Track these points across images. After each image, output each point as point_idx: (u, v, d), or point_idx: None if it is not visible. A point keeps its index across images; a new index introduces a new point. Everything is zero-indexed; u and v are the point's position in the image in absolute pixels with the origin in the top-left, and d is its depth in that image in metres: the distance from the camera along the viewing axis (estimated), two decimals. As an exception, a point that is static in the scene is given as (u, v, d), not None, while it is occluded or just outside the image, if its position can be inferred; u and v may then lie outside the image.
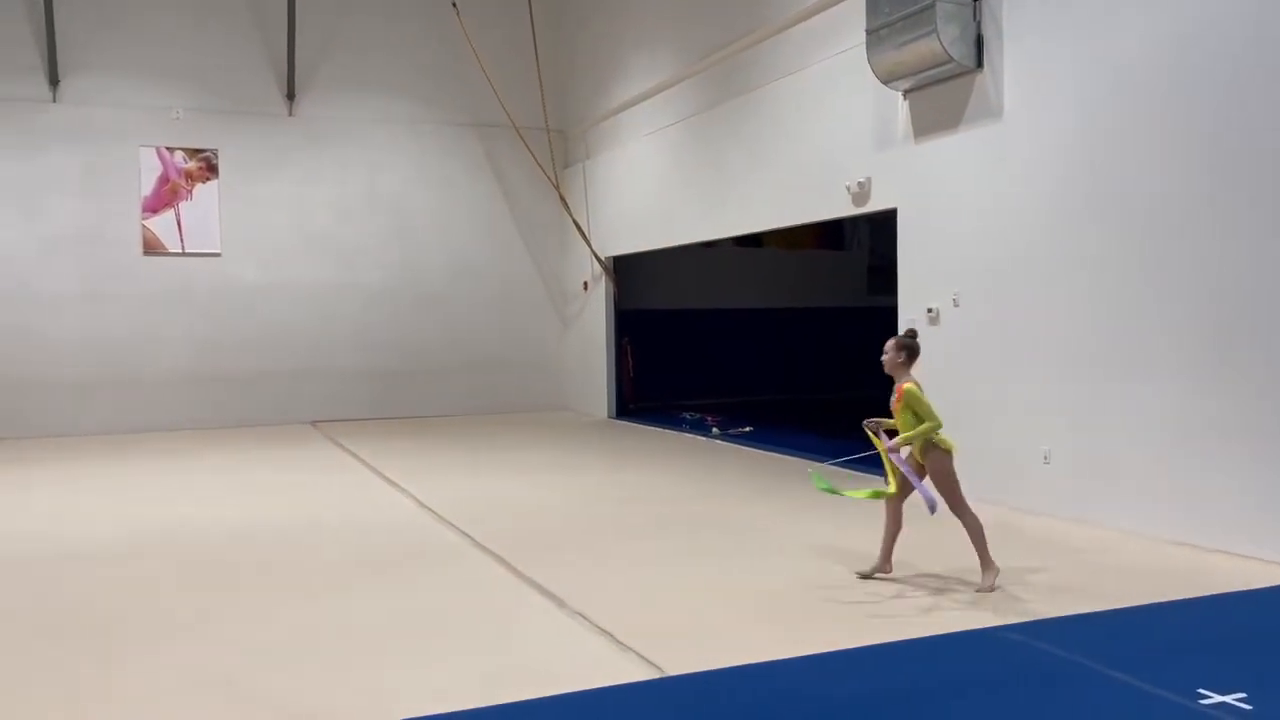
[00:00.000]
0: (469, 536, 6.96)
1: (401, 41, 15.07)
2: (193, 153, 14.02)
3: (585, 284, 15.17)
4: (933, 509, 5.27)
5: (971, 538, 5.45)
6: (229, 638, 4.86)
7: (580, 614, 5.07)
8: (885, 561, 5.72)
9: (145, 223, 13.81)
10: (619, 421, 14.27)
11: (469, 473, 9.95)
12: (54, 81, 13.35)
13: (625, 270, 14.97)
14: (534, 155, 14.96)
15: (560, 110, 15.68)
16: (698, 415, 13.60)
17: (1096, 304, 6.91)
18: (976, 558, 5.48)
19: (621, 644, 4.60)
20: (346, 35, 14.80)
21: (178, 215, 13.94)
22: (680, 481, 9.26)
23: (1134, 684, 3.95)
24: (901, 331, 6.39)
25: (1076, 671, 4.13)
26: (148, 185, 13.82)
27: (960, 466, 5.48)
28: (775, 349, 17.02)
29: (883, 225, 16.56)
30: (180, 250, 13.98)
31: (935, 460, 5.40)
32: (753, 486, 8.85)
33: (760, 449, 11.01)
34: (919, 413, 5.34)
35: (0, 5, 13.14)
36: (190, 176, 14.00)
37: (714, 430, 12.41)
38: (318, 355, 14.65)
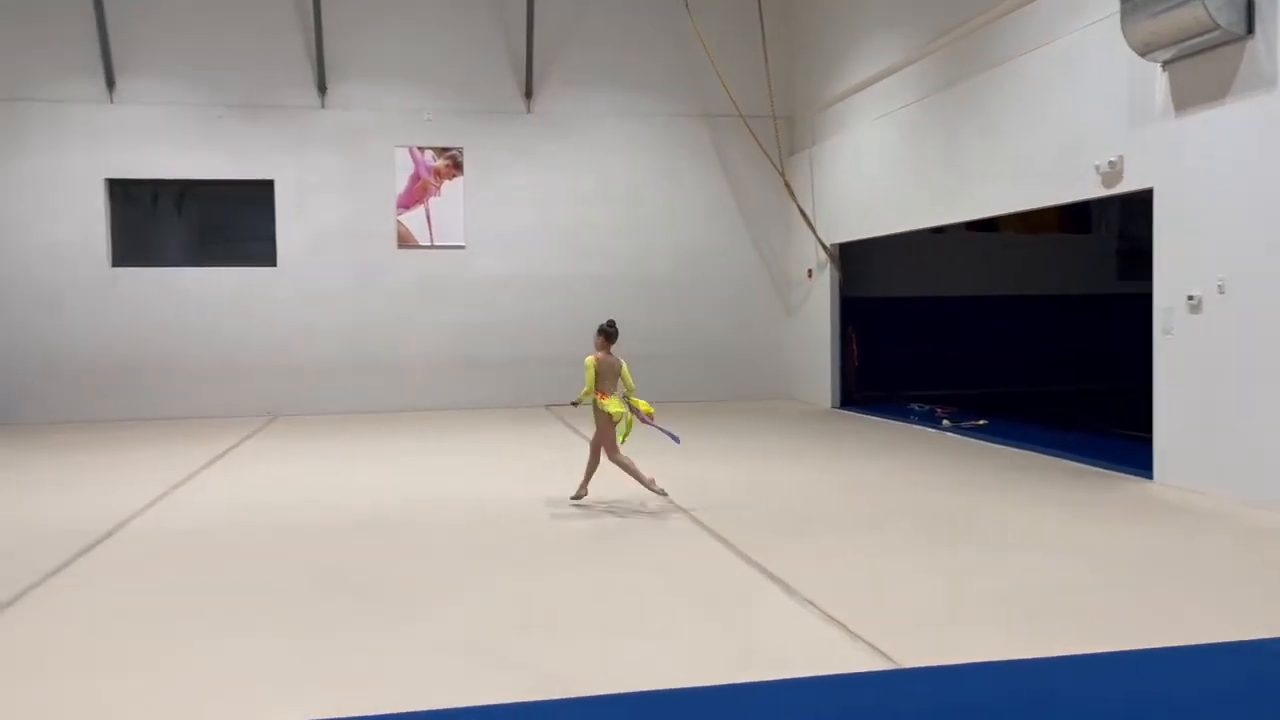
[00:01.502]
0: (696, 520, 7.12)
1: (632, 35, 15.46)
2: (441, 151, 14.98)
3: (810, 272, 15.06)
4: (677, 440, 7.52)
5: (587, 468, 7.64)
6: (481, 604, 5.22)
7: (810, 601, 5.09)
8: (582, 487, 7.65)
9: (399, 218, 14.91)
10: (843, 411, 14.09)
11: (694, 458, 10.11)
12: (322, 89, 14.62)
13: (851, 257, 14.73)
14: (759, 143, 14.98)
15: (786, 97, 15.61)
16: (927, 406, 13.22)
17: (1392, 290, 6.20)
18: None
19: (853, 633, 4.59)
20: (580, 33, 15.33)
21: (427, 211, 14.96)
22: (909, 473, 9.06)
23: None
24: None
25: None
26: (401, 183, 14.90)
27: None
28: (1012, 338, 16.27)
29: (1134, 206, 15.50)
30: (430, 244, 14.99)
31: (600, 418, 7.40)
32: (986, 481, 8.53)
33: (995, 442, 10.58)
34: (586, 379, 7.35)
35: (278, 27, 14.52)
36: (439, 174, 14.98)
37: (944, 422, 12.02)
38: (552, 342, 15.30)
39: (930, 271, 16.04)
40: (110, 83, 14.07)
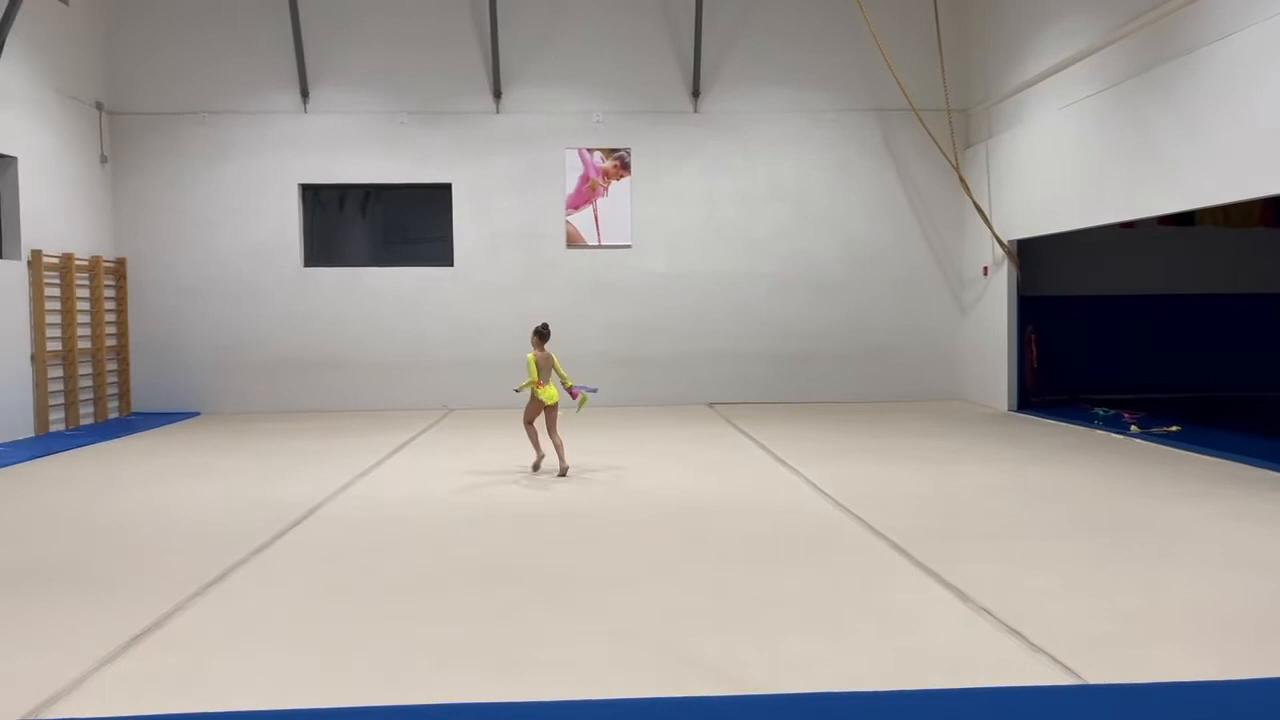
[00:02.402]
0: (865, 522, 6.98)
1: (799, 31, 15.28)
2: (609, 152, 15.23)
3: (986, 269, 14.51)
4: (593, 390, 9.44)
5: (531, 441, 9.43)
6: (651, 599, 5.28)
7: (986, 610, 4.91)
8: (536, 452, 9.42)
9: (568, 218, 15.25)
10: (1020, 414, 13.51)
11: (862, 459, 9.92)
12: (497, 95, 15.12)
13: (1030, 254, 14.11)
14: (933, 137, 14.53)
15: (962, 89, 15.09)
16: (1112, 411, 12.51)
17: None
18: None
19: (1033, 645, 4.40)
20: (747, 31, 15.27)
21: (595, 211, 15.25)
22: (1093, 480, 8.60)
23: None
24: None
25: None
26: (571, 184, 15.24)
27: None
28: (1208, 340, 15.21)
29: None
30: (597, 243, 15.27)
31: (532, 400, 9.19)
32: (1179, 490, 8.00)
33: (1189, 450, 9.91)
34: (530, 373, 9.02)
35: (456, 38, 15.11)
36: (607, 174, 15.24)
37: (1132, 428, 11.35)
38: (717, 340, 15.34)
39: (1117, 268, 15.19)
40: (304, 94, 14.97)
